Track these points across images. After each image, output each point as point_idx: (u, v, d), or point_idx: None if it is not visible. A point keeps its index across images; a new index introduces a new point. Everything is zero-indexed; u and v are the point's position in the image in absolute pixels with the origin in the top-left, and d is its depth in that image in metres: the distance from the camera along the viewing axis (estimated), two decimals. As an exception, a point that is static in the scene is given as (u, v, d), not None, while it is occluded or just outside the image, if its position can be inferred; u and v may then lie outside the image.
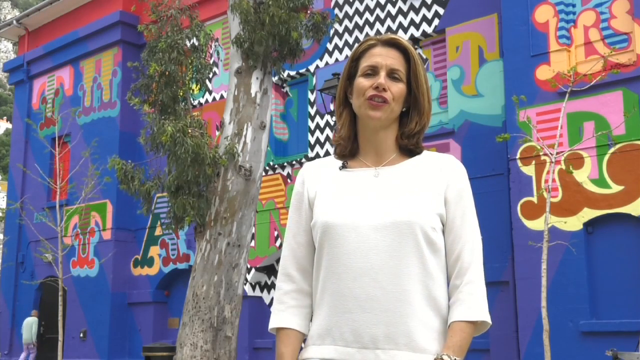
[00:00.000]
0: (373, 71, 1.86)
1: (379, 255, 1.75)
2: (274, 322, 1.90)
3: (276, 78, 12.86)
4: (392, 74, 1.86)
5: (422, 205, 1.79)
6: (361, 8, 12.65)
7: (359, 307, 1.74)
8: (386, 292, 1.73)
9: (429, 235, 1.77)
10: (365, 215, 1.79)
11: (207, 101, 14.56)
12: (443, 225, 1.83)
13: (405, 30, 11.90)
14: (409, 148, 1.90)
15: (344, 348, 1.75)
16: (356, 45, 1.97)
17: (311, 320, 1.88)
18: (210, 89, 14.58)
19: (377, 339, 1.72)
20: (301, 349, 1.88)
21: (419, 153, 1.91)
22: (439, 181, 1.84)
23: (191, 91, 8.79)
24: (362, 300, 1.74)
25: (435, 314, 1.77)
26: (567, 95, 8.24)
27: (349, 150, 1.92)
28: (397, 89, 1.85)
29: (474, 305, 1.77)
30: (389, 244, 1.75)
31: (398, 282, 1.74)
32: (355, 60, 1.93)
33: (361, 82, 1.87)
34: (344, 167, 1.91)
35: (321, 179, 1.91)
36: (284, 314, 1.89)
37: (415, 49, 1.93)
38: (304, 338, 1.90)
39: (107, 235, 15.12)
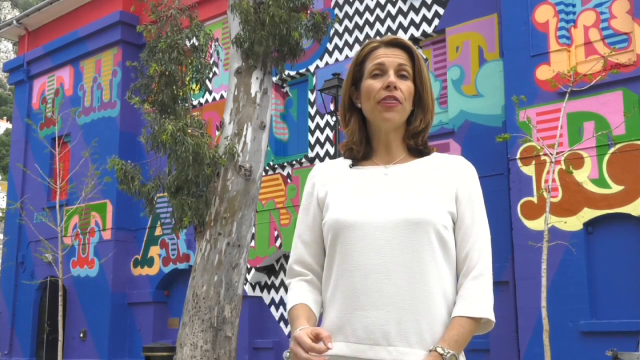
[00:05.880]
0: (381, 71, 1.85)
1: (392, 253, 1.75)
2: (289, 304, 1.88)
3: (276, 78, 12.86)
4: (400, 71, 1.85)
5: (434, 204, 1.79)
6: (361, 8, 12.65)
7: (372, 304, 1.74)
8: (399, 289, 1.73)
9: (441, 233, 1.77)
10: (377, 213, 1.79)
11: (207, 101, 14.55)
12: (454, 224, 1.83)
13: (405, 30, 11.90)
14: (417, 148, 1.91)
15: (356, 345, 1.74)
16: (358, 48, 1.95)
17: (321, 318, 1.88)
18: (210, 89, 14.58)
19: (389, 336, 1.72)
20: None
21: (427, 154, 1.92)
22: (449, 180, 1.85)
23: (191, 91, 8.79)
24: (374, 297, 1.74)
25: (447, 312, 1.77)
26: (567, 95, 8.24)
27: (362, 155, 1.92)
28: (406, 87, 1.85)
29: (476, 301, 1.77)
30: (402, 241, 1.75)
31: (411, 279, 1.74)
32: (359, 64, 1.91)
33: (370, 83, 1.86)
34: (354, 165, 1.91)
35: (331, 179, 1.91)
36: (295, 296, 1.88)
37: (415, 48, 1.93)
38: (319, 311, 1.89)
39: (107, 235, 15.11)
